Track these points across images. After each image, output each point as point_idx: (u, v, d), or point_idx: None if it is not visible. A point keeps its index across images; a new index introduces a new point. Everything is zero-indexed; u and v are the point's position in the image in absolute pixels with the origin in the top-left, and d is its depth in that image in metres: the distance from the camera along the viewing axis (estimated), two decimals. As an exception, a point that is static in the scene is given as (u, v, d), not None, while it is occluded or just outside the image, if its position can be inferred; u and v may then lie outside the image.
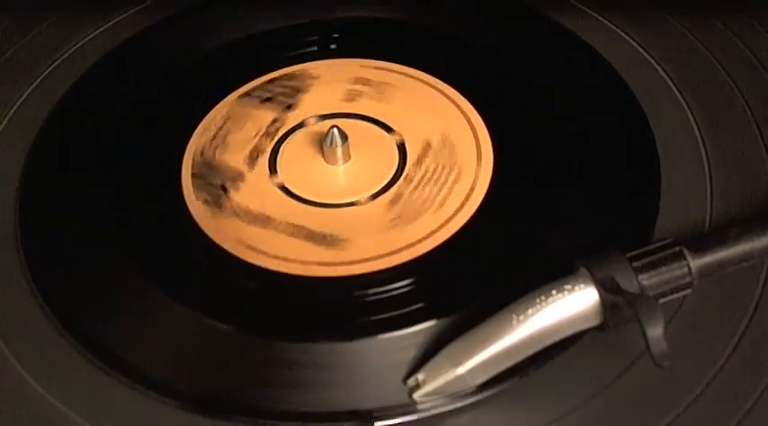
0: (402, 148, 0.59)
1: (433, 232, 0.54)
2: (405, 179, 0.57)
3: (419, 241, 0.54)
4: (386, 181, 0.57)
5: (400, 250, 0.53)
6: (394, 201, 0.56)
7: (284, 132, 0.60)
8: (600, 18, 0.66)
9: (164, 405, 0.48)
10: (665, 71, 0.62)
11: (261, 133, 0.60)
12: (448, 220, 0.54)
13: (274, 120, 0.61)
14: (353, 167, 0.58)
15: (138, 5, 0.70)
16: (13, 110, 0.63)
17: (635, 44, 0.64)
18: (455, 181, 0.56)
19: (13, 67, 0.66)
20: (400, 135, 0.59)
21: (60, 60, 0.66)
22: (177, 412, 0.48)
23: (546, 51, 0.64)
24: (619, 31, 0.65)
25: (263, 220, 0.56)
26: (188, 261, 0.54)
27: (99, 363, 0.50)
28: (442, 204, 0.55)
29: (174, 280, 0.53)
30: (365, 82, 0.63)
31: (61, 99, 0.63)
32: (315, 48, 0.65)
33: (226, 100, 0.62)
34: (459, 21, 0.66)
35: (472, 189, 0.56)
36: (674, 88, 0.61)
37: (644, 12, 0.66)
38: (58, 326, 0.51)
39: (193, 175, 0.58)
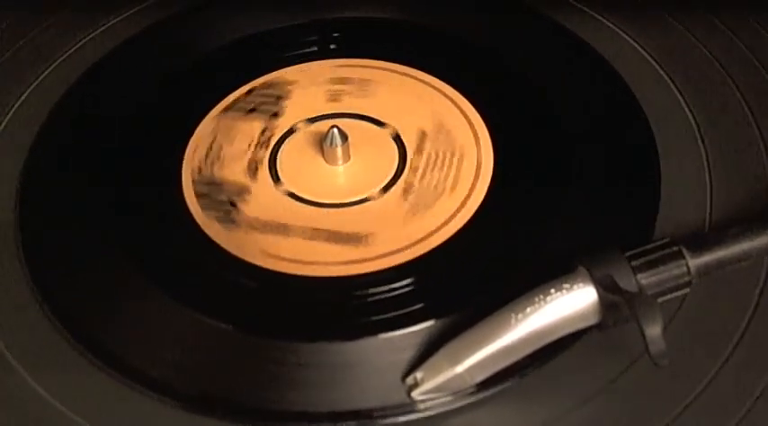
0: (399, 140, 0.59)
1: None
2: (410, 168, 0.57)
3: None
4: (392, 174, 0.57)
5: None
6: (406, 191, 0.56)
7: (277, 139, 0.60)
8: (600, 18, 0.66)
9: (164, 405, 0.48)
10: (665, 71, 0.62)
11: (254, 144, 0.60)
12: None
13: (264, 130, 0.61)
14: (355, 165, 0.58)
15: (137, 5, 0.70)
16: (13, 111, 0.63)
17: (635, 44, 0.64)
18: (460, 164, 0.57)
19: (13, 67, 0.66)
20: (393, 127, 0.59)
21: (60, 60, 0.66)
22: (177, 412, 0.48)
23: (546, 51, 0.64)
24: (619, 31, 0.65)
25: (281, 228, 0.55)
26: (188, 261, 0.54)
27: (99, 363, 0.50)
28: (454, 187, 0.56)
29: (173, 280, 0.53)
30: (344, 81, 0.63)
31: (61, 99, 0.63)
32: (315, 48, 0.65)
33: (209, 115, 0.62)
34: (459, 21, 0.66)
35: (478, 170, 0.56)
36: (674, 88, 0.61)
37: (644, 12, 0.66)
38: (58, 326, 0.51)
39: (197, 195, 0.57)
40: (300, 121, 0.61)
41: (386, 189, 0.57)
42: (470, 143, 0.58)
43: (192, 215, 0.56)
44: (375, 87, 0.62)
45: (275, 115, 0.61)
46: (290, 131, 0.61)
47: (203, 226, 0.55)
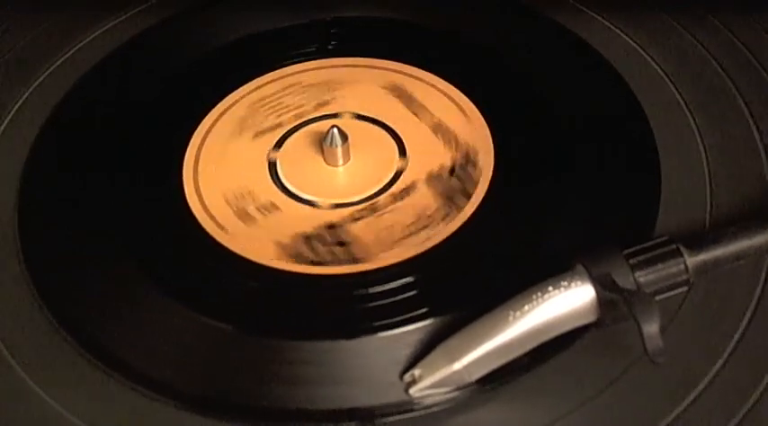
0: (398, 175, 0.58)
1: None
2: (372, 205, 0.57)
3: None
4: (359, 198, 0.57)
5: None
6: (351, 218, 0.56)
7: (310, 118, 0.61)
8: (600, 18, 0.66)
9: (163, 405, 0.48)
10: (665, 71, 0.62)
11: (308, 107, 0.62)
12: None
13: (319, 105, 0.62)
14: (346, 172, 0.58)
15: (138, 6, 0.70)
16: (13, 110, 0.63)
17: (635, 44, 0.64)
18: (416, 231, 0.55)
19: (13, 67, 0.66)
20: (406, 163, 0.58)
21: (60, 60, 0.66)
22: (177, 412, 0.48)
23: (546, 51, 0.64)
24: (619, 31, 0.65)
25: (233, 175, 0.58)
26: (188, 261, 0.54)
27: (99, 363, 0.50)
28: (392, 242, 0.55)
29: (173, 280, 0.53)
30: (400, 91, 0.63)
31: (62, 99, 0.63)
32: (314, 48, 0.66)
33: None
34: (457, 20, 0.66)
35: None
36: (673, 88, 0.61)
37: (644, 12, 0.66)
38: (58, 326, 0.51)
39: (244, 113, 0.61)
40: (348, 112, 0.62)
41: (337, 206, 0.56)
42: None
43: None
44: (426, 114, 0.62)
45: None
46: (334, 115, 0.61)
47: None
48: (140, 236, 0.55)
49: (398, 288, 0.51)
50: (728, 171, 0.56)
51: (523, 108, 0.60)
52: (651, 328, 0.43)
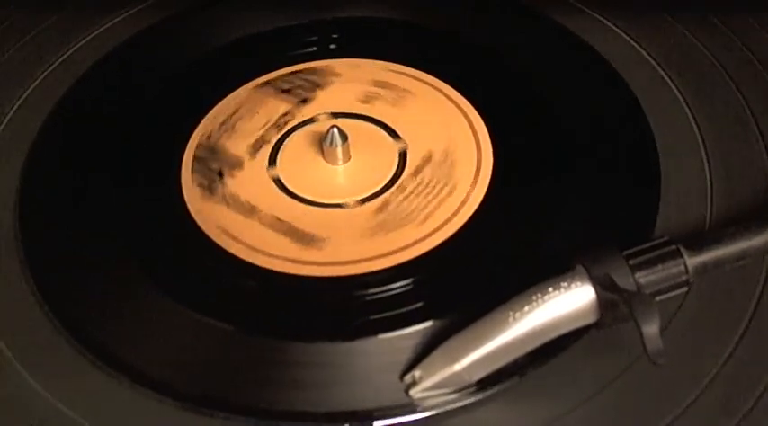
0: (403, 156, 0.58)
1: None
2: (397, 188, 0.57)
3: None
4: (378, 188, 0.57)
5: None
6: (381, 209, 0.56)
7: (292, 126, 0.60)
8: (600, 18, 0.66)
9: (163, 405, 0.48)
10: (665, 71, 0.62)
11: (270, 124, 0.61)
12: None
13: (286, 113, 0.61)
14: (351, 169, 0.58)
15: (138, 5, 0.70)
16: (13, 111, 0.63)
17: (635, 44, 0.64)
18: (445, 198, 0.56)
19: (13, 67, 0.66)
20: (405, 142, 0.59)
21: (60, 60, 0.66)
22: (177, 412, 0.48)
23: (546, 51, 0.64)
24: (619, 31, 0.65)
25: (249, 210, 0.56)
26: (188, 262, 0.54)
27: (99, 363, 0.50)
28: (425, 219, 0.55)
29: (173, 280, 0.53)
30: (385, 85, 0.62)
31: (61, 99, 0.63)
32: (314, 48, 0.66)
33: (245, 86, 0.63)
34: (457, 20, 0.66)
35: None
36: (674, 88, 0.61)
37: (644, 12, 0.66)
38: (59, 326, 0.51)
39: (195, 158, 0.59)
40: (324, 114, 0.61)
41: (364, 201, 0.56)
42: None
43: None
44: (410, 99, 0.62)
45: (304, 101, 0.62)
46: (310, 120, 0.61)
47: (184, 187, 0.57)
48: (140, 236, 0.55)
49: (398, 289, 0.51)
50: (729, 171, 0.56)
51: (523, 108, 0.60)
52: (651, 329, 0.43)
